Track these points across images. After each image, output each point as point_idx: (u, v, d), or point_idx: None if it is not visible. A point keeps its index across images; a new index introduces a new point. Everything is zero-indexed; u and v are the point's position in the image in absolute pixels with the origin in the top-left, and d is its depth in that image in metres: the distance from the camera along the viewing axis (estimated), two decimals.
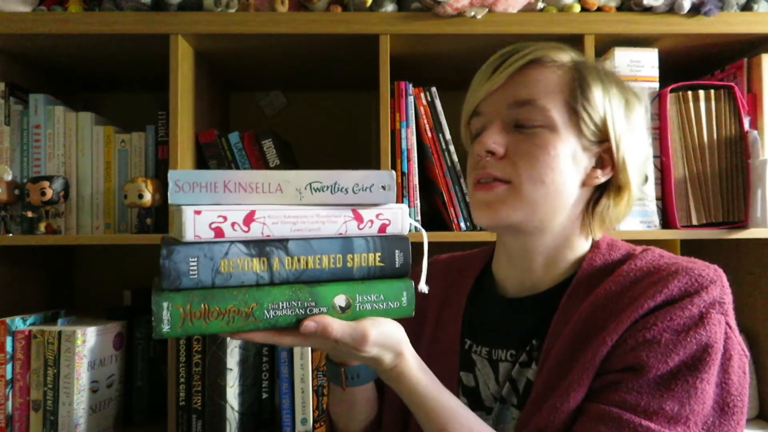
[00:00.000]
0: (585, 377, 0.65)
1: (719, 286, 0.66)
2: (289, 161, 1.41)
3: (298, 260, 0.59)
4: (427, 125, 1.25)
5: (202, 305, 0.55)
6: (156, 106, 1.30)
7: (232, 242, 0.57)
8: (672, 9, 1.20)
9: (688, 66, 1.39)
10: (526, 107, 0.72)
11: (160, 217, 1.26)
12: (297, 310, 0.58)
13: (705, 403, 0.62)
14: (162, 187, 1.25)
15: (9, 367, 1.18)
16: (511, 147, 0.72)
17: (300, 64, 1.41)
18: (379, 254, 0.63)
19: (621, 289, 0.69)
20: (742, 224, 1.20)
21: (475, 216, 0.76)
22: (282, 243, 0.59)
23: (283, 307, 0.58)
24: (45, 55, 1.34)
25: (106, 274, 1.59)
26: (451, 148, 1.25)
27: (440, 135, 1.25)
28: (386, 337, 0.62)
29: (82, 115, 1.30)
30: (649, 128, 1.23)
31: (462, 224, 1.24)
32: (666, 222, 1.22)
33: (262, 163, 1.31)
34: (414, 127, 1.25)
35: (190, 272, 0.55)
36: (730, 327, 0.65)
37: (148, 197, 1.21)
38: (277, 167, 1.30)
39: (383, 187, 0.62)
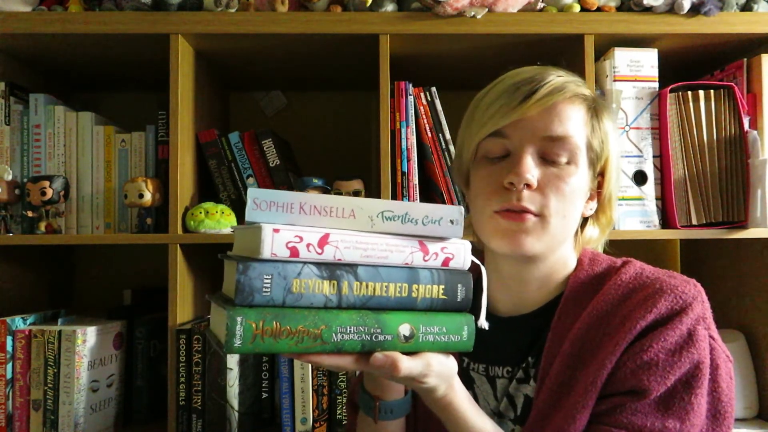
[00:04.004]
0: (589, 398, 0.68)
1: (700, 301, 0.71)
2: (289, 161, 1.41)
3: (366, 286, 0.60)
4: (427, 125, 1.25)
5: (274, 323, 0.55)
6: (156, 106, 1.30)
7: (305, 263, 0.57)
8: (672, 9, 1.20)
9: (688, 66, 1.39)
10: (559, 143, 0.73)
11: (160, 216, 1.26)
12: (363, 335, 0.59)
13: (701, 415, 0.68)
14: (162, 186, 1.25)
15: (9, 366, 1.18)
16: (543, 180, 0.73)
17: (300, 64, 1.41)
18: (443, 287, 0.63)
19: (610, 308, 0.72)
20: (742, 224, 1.20)
21: (493, 242, 0.75)
22: (352, 268, 0.59)
23: (350, 331, 0.58)
24: (45, 55, 1.34)
25: (106, 274, 1.59)
26: (451, 148, 1.25)
27: (440, 135, 1.25)
28: (444, 367, 0.64)
29: (82, 115, 1.30)
30: (649, 128, 1.23)
31: None
32: (666, 222, 1.22)
33: (262, 163, 1.31)
34: (414, 127, 1.25)
35: (264, 289, 0.55)
36: (713, 338, 0.71)
37: (148, 197, 1.22)
38: (276, 167, 1.30)
39: (451, 221, 0.63)
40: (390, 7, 1.22)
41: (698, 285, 0.73)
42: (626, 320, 0.70)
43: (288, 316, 0.56)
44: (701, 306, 0.71)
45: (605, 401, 0.69)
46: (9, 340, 1.18)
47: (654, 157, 1.23)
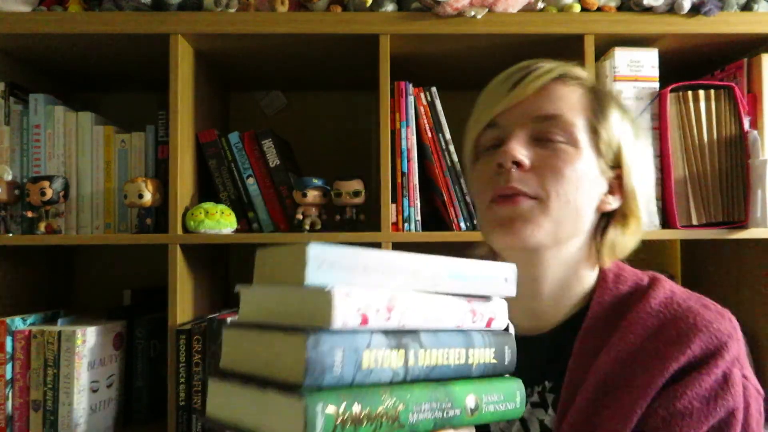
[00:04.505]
0: None
1: (735, 339, 0.67)
2: (289, 161, 1.41)
3: (430, 354, 0.52)
4: (427, 125, 1.25)
5: (355, 407, 0.46)
6: (156, 106, 1.30)
7: (373, 332, 0.49)
8: (672, 9, 1.20)
9: (688, 66, 1.39)
10: (551, 121, 0.70)
11: (160, 217, 1.26)
12: (436, 412, 0.52)
13: None
14: (162, 186, 1.25)
15: (9, 367, 1.18)
16: (537, 160, 0.69)
17: (300, 64, 1.41)
18: (494, 350, 0.58)
19: (640, 341, 0.67)
20: (742, 224, 1.20)
21: (492, 236, 0.71)
22: (416, 334, 0.52)
23: (424, 409, 0.51)
24: (45, 55, 1.34)
25: (106, 274, 1.59)
26: (451, 148, 1.25)
27: (440, 135, 1.25)
28: None
29: (82, 115, 1.30)
30: (649, 128, 1.23)
31: (462, 224, 1.24)
32: (666, 222, 1.22)
33: (262, 163, 1.31)
34: (414, 127, 1.25)
35: (335, 367, 0.46)
36: (746, 377, 0.67)
37: (148, 197, 1.21)
38: (276, 167, 1.30)
39: (506, 280, 0.59)
40: (390, 7, 1.22)
41: (733, 319, 0.69)
42: (657, 359, 0.65)
43: (366, 397, 0.47)
44: (736, 345, 0.67)
45: None
46: (9, 340, 1.18)
47: (654, 157, 1.23)
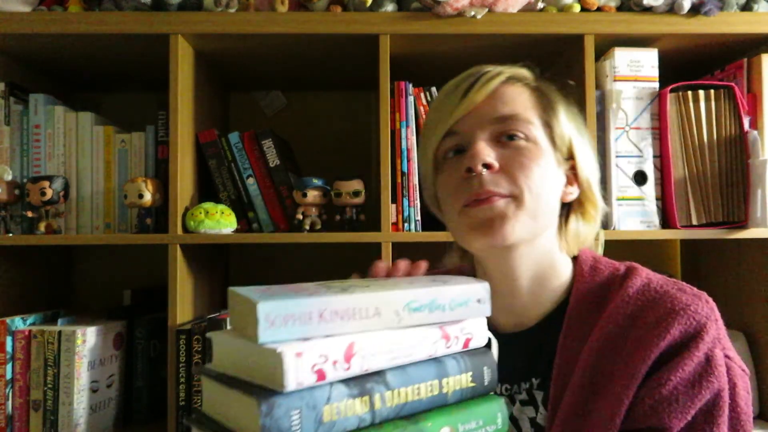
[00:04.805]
0: None
1: (713, 320, 0.68)
2: (289, 161, 1.41)
3: (398, 394, 0.51)
4: None
5: None
6: (156, 106, 1.30)
7: (332, 384, 0.48)
8: (672, 9, 1.20)
9: (688, 66, 1.39)
10: (509, 121, 0.72)
11: (160, 216, 1.26)
12: None
13: None
14: (162, 186, 1.25)
15: (9, 366, 1.18)
16: (503, 160, 0.71)
17: (300, 64, 1.41)
18: (471, 374, 0.57)
19: (620, 330, 0.69)
20: (742, 224, 1.20)
21: (468, 238, 0.72)
22: (381, 376, 0.51)
23: None
24: (45, 55, 1.34)
25: (106, 274, 1.59)
26: None
27: None
28: None
29: (82, 115, 1.30)
30: (649, 128, 1.23)
31: None
32: (666, 222, 1.22)
33: (262, 163, 1.31)
34: (414, 127, 1.25)
35: (293, 428, 0.45)
36: (729, 357, 0.68)
37: (148, 197, 1.21)
38: (276, 167, 1.30)
39: (478, 301, 0.58)
40: (390, 7, 1.22)
41: (710, 300, 0.70)
42: (639, 346, 0.66)
43: None
44: (715, 325, 0.67)
45: None
46: (9, 340, 1.18)
47: (654, 157, 1.23)
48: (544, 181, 0.72)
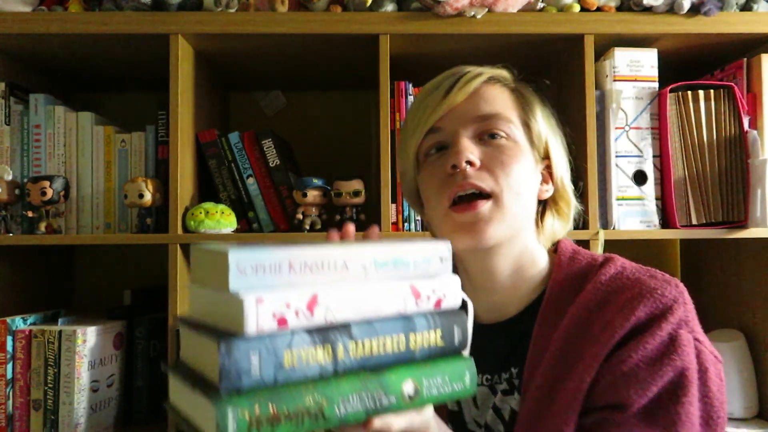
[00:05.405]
0: (572, 412, 0.66)
1: (681, 303, 0.68)
2: (289, 161, 1.41)
3: (363, 345, 0.53)
4: None
5: (270, 407, 0.48)
6: (156, 106, 1.30)
7: (294, 332, 0.50)
8: (672, 9, 1.20)
9: (688, 66, 1.39)
10: (491, 120, 0.75)
11: (160, 216, 1.26)
12: (367, 402, 0.52)
13: (693, 423, 0.64)
14: (162, 186, 1.25)
15: (9, 366, 1.18)
16: (485, 158, 0.73)
17: (300, 64, 1.41)
18: (440, 332, 0.58)
19: (590, 314, 0.70)
20: (742, 224, 1.20)
21: (453, 238, 0.73)
22: (345, 328, 0.53)
23: (353, 401, 0.52)
24: (45, 55, 1.34)
25: (106, 274, 1.59)
26: None
27: None
28: (423, 421, 0.61)
29: (82, 115, 1.30)
30: (649, 128, 1.23)
31: None
32: (666, 222, 1.22)
33: (262, 163, 1.31)
34: None
35: (252, 370, 0.47)
36: (699, 341, 0.67)
37: (148, 197, 1.22)
38: (276, 167, 1.30)
39: (441, 259, 0.59)
40: (390, 7, 1.22)
41: (680, 285, 0.70)
42: (606, 329, 0.67)
43: (284, 396, 0.48)
44: (683, 308, 0.68)
45: (589, 416, 0.66)
46: (9, 340, 1.18)
47: (654, 157, 1.23)
48: (523, 180, 0.74)
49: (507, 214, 0.72)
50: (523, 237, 0.77)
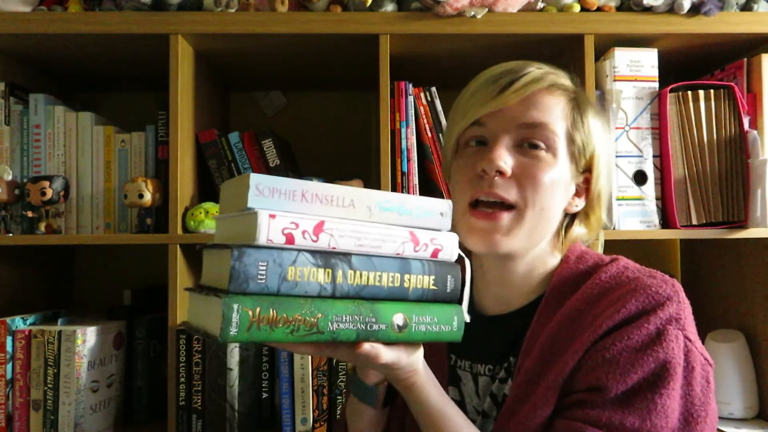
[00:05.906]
0: (551, 395, 0.67)
1: (675, 301, 0.68)
2: (289, 161, 1.41)
3: (360, 275, 0.59)
4: (426, 125, 1.25)
5: (271, 311, 0.54)
6: (156, 106, 1.30)
7: (300, 250, 0.56)
8: (672, 9, 1.20)
9: (688, 66, 1.39)
10: (536, 129, 0.74)
11: (160, 216, 1.26)
12: (358, 324, 0.58)
13: (668, 417, 0.64)
14: (162, 186, 1.25)
15: (9, 366, 1.18)
16: (518, 168, 0.73)
17: (300, 64, 1.41)
18: (433, 278, 0.64)
19: (584, 307, 0.71)
20: (742, 224, 1.20)
21: (468, 240, 0.74)
22: (346, 257, 0.59)
23: (346, 320, 0.58)
24: (45, 55, 1.34)
25: (106, 274, 1.59)
26: None
27: (440, 135, 1.25)
28: (410, 359, 0.65)
29: (82, 115, 1.30)
30: (649, 128, 1.23)
31: None
32: (666, 222, 1.22)
33: (261, 163, 1.31)
34: (414, 127, 1.25)
35: (259, 277, 0.54)
36: (690, 340, 0.67)
37: (148, 197, 1.21)
38: (276, 167, 1.30)
39: (441, 214, 0.65)
40: (390, 7, 1.22)
41: (676, 285, 0.70)
42: (596, 320, 0.68)
43: (284, 304, 0.55)
44: (675, 306, 0.68)
45: (568, 398, 0.68)
46: (9, 340, 1.18)
47: (654, 157, 1.23)
48: (551, 195, 0.74)
49: (526, 228, 0.73)
50: (540, 246, 0.78)
